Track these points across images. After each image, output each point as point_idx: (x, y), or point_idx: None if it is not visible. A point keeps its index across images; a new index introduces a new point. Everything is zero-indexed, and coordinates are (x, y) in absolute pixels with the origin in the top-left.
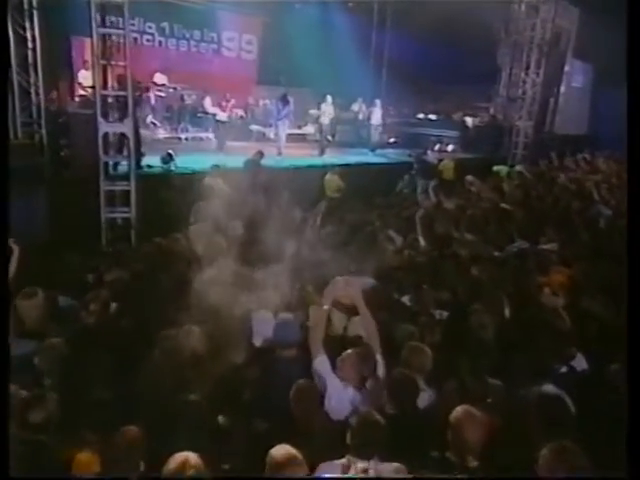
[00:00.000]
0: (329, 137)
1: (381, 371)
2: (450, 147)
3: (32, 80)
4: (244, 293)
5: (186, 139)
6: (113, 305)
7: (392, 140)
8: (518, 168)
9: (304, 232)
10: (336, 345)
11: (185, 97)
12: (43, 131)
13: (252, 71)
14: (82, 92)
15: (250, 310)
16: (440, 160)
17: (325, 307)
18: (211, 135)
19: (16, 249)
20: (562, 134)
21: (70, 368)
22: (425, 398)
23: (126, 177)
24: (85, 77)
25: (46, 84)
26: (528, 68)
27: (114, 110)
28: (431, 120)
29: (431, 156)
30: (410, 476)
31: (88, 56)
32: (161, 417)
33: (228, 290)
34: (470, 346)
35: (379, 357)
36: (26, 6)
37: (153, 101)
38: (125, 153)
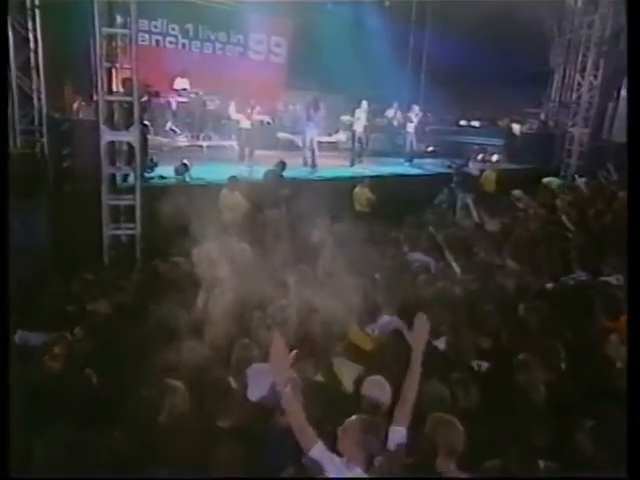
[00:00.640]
0: (363, 146)
1: (398, 446)
2: (495, 157)
3: (34, 85)
4: (242, 337)
5: (208, 147)
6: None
7: (430, 149)
8: (577, 181)
9: (321, 255)
10: (342, 407)
11: (208, 103)
12: (44, 140)
13: (281, 75)
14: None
15: (248, 359)
16: (482, 171)
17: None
18: (235, 143)
19: None
20: (622, 142)
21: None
22: None
23: (132, 190)
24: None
25: (49, 89)
26: (584, 70)
27: (120, 117)
28: (474, 127)
29: (473, 167)
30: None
31: None
32: None
33: (225, 332)
34: (516, 412)
35: (402, 430)
36: (28, 4)
37: (174, 107)
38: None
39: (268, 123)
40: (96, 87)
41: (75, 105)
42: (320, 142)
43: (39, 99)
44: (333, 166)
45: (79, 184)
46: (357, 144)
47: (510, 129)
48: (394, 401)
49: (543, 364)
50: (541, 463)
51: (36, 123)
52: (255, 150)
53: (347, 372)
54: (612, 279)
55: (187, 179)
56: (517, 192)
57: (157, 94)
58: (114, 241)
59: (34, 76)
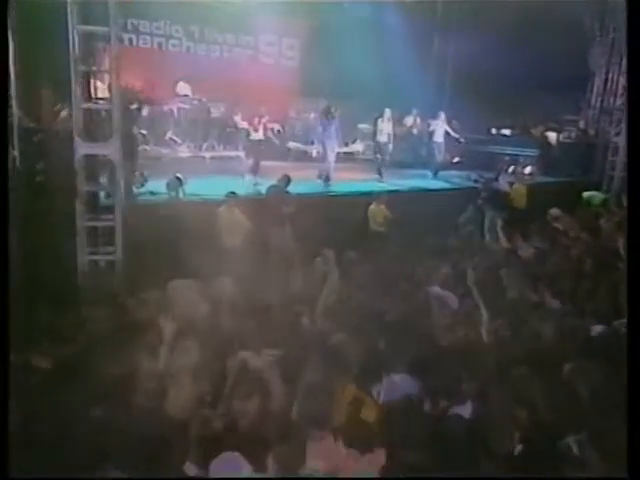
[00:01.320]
0: (386, 158)
1: None
2: (528, 169)
3: None
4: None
5: (211, 158)
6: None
7: (456, 160)
8: (623, 197)
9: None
10: None
11: (212, 110)
12: (16, 152)
13: (293, 80)
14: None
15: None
16: (512, 184)
17: None
18: (241, 154)
19: None
20: None
21: None
22: None
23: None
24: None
25: (23, 95)
26: None
27: (100, 127)
28: (505, 136)
29: (503, 182)
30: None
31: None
32: None
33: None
34: None
35: None
36: None
37: (175, 114)
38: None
39: (278, 132)
40: (71, 93)
41: (56, 114)
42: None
43: (10, 106)
44: (349, 180)
45: (54, 202)
46: (380, 156)
47: (545, 138)
48: None
49: (595, 444)
50: None
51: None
52: (263, 161)
53: None
54: None
55: (180, 195)
56: (555, 211)
57: (150, 101)
58: (91, 268)
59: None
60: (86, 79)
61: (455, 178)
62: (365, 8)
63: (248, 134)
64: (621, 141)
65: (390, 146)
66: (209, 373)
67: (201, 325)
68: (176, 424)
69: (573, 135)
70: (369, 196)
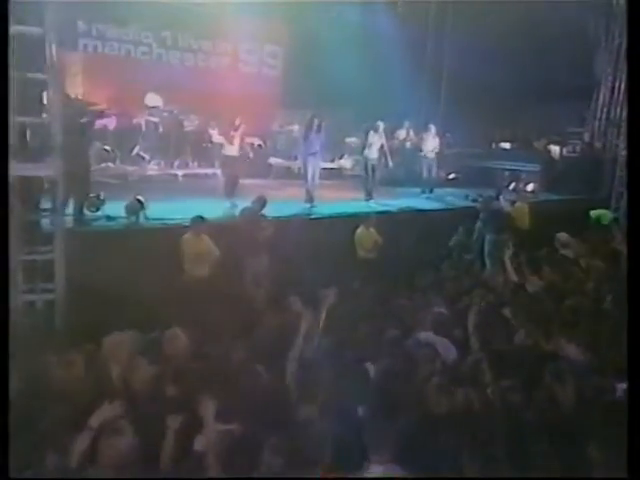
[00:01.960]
0: (376, 176)
1: None
2: (530, 186)
3: None
4: None
5: (184, 176)
6: None
7: (452, 176)
8: None
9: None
10: None
11: (186, 123)
12: None
13: (275, 90)
14: None
15: None
16: (514, 203)
17: None
18: (218, 171)
19: None
20: None
21: None
22: None
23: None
24: None
25: None
26: None
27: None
28: (504, 150)
29: (505, 201)
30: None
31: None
32: None
33: None
34: None
35: None
36: None
37: (143, 128)
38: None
39: (259, 146)
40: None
41: None
42: (321, 169)
43: None
44: (336, 199)
45: None
46: (369, 173)
47: (548, 152)
48: None
49: None
50: None
51: None
52: (242, 179)
53: None
54: None
55: (141, 220)
56: (563, 236)
57: (102, 113)
58: (26, 310)
59: None
60: (22, 88)
61: (451, 196)
62: (353, 12)
63: (225, 149)
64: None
65: (382, 162)
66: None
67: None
68: None
69: (578, 149)
70: (357, 218)
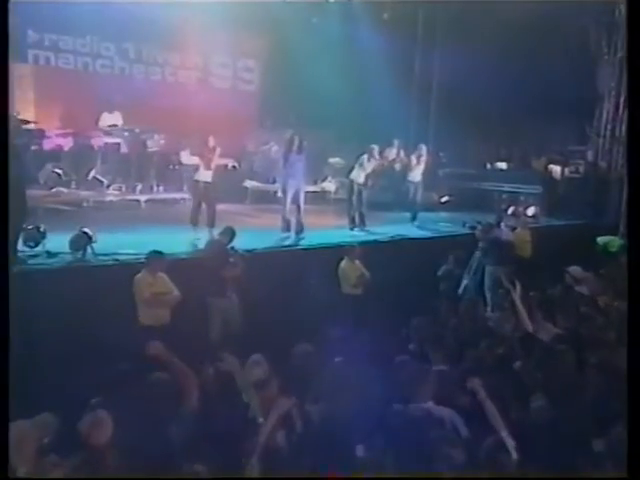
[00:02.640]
0: (363, 202)
1: None
2: (531, 210)
3: None
4: None
5: (147, 202)
6: None
7: (445, 199)
8: None
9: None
10: None
11: (149, 143)
12: None
13: (251, 107)
14: None
15: None
16: (514, 229)
17: None
18: (187, 196)
19: None
20: None
21: None
22: None
23: None
24: None
25: None
26: None
27: None
28: (501, 170)
29: (506, 229)
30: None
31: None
32: None
33: None
34: None
35: None
36: None
37: (101, 148)
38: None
39: (234, 167)
40: None
41: None
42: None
43: None
44: (318, 226)
45: None
46: (357, 197)
47: (548, 172)
48: None
49: None
50: None
51: None
52: (214, 205)
53: None
54: None
55: (88, 256)
56: (576, 270)
57: (42, 133)
58: None
59: None
60: None
61: (444, 222)
62: (336, 23)
63: (198, 174)
64: None
65: (369, 185)
66: None
67: None
68: None
69: (581, 169)
70: (342, 249)
